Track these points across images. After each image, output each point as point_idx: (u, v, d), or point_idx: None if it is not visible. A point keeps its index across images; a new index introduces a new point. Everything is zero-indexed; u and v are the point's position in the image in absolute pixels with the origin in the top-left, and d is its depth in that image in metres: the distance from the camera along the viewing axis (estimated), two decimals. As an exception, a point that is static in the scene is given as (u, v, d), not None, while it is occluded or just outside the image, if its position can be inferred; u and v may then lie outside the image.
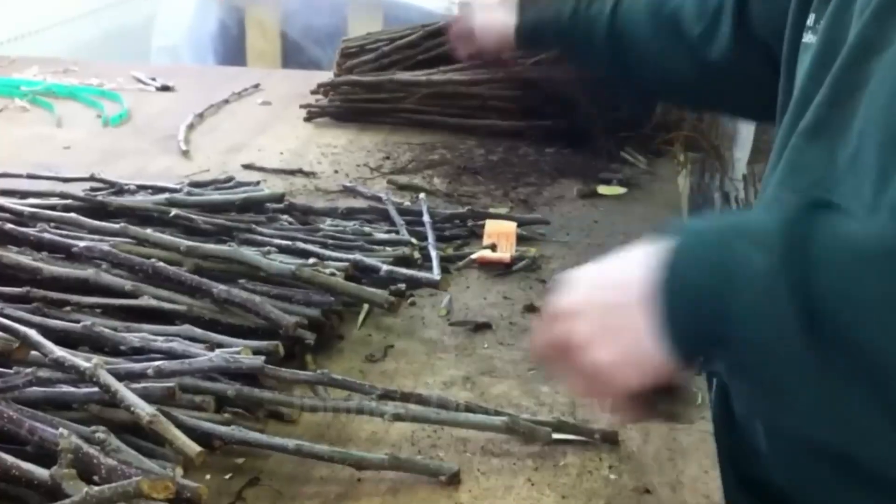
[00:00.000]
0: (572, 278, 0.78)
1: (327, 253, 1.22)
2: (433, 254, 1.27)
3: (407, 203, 1.45)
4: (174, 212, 1.26)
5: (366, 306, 1.15)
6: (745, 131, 2.46)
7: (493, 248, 1.32)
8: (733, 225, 0.73)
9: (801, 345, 0.65)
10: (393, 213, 1.39)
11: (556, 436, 0.91)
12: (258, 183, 1.50)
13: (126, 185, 1.43)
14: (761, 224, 0.71)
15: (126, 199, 1.34)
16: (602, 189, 1.57)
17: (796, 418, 0.74)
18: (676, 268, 0.71)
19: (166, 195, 1.33)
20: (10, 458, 0.77)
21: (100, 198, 1.32)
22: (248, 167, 1.64)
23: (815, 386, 0.67)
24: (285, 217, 1.36)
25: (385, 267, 1.19)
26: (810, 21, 0.97)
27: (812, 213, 0.69)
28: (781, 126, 0.97)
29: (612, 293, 0.75)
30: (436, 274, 1.21)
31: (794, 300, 0.65)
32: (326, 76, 2.02)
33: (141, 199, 1.34)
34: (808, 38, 0.97)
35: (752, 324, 0.67)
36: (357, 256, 1.20)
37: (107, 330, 0.99)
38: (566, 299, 0.77)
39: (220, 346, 0.98)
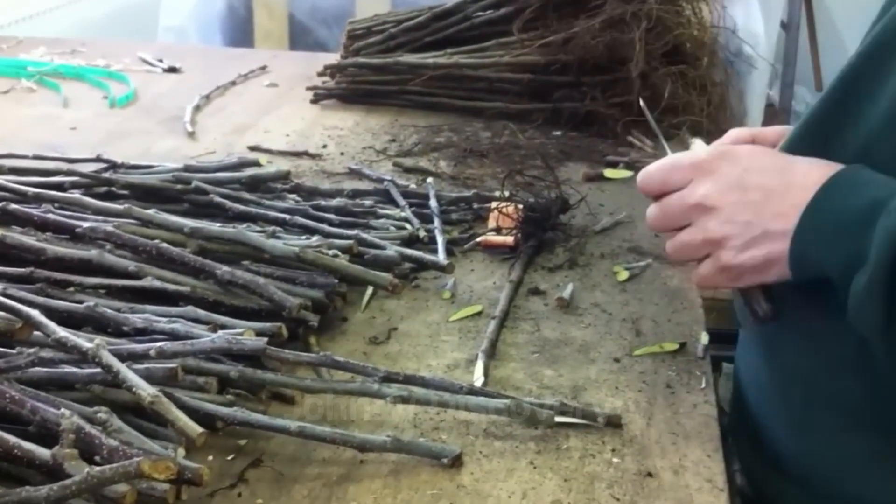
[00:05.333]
0: (720, 158, 0.85)
1: (330, 229, 1.23)
2: (439, 238, 1.26)
3: (412, 185, 1.45)
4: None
5: (370, 288, 1.15)
6: (754, 115, 2.45)
7: (499, 231, 1.31)
8: (876, 206, 0.76)
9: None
10: (395, 194, 1.39)
11: (558, 419, 0.91)
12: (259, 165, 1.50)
13: (132, 165, 1.43)
14: (886, 224, 0.75)
15: (132, 176, 1.34)
16: (608, 172, 1.57)
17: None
18: (815, 225, 0.79)
19: (172, 174, 1.33)
20: (12, 438, 0.77)
21: (106, 175, 1.33)
22: (254, 149, 1.64)
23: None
24: (292, 196, 1.36)
25: (392, 248, 1.19)
26: None
27: None
28: None
29: (756, 200, 0.82)
30: (442, 258, 1.21)
31: (883, 319, 0.74)
32: (333, 58, 2.02)
33: (147, 176, 1.35)
34: None
35: (853, 314, 0.77)
36: (359, 233, 1.20)
37: (110, 311, 0.99)
38: (708, 187, 0.84)
39: (223, 327, 0.98)
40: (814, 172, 0.81)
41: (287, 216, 1.24)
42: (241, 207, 1.26)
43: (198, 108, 1.86)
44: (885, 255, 0.73)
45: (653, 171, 0.89)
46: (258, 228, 1.20)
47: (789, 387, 0.93)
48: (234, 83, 2.04)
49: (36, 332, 0.88)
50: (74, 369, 0.88)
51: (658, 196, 0.88)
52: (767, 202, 0.82)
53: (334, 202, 1.34)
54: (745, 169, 0.84)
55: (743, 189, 0.83)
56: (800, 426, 0.92)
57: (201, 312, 1.02)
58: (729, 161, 0.85)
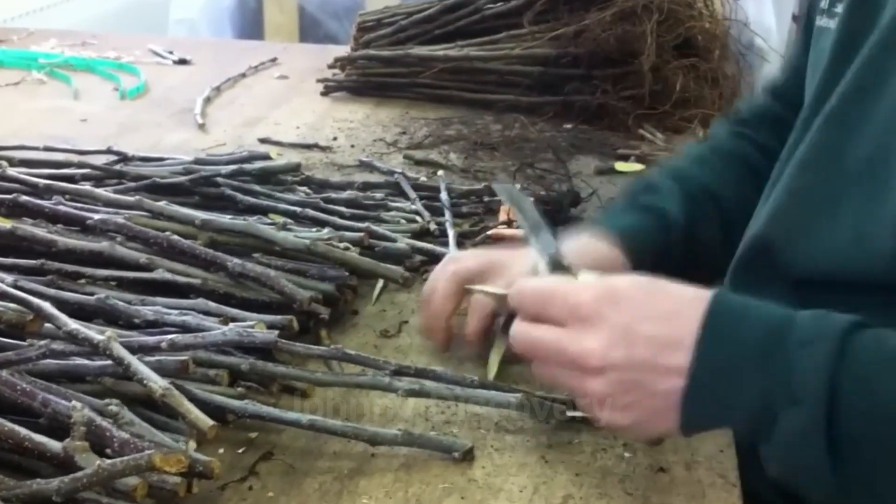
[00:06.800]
0: (602, 300, 0.76)
1: (341, 222, 1.22)
2: (450, 231, 1.26)
3: (423, 178, 1.45)
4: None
5: (381, 281, 1.15)
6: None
7: (509, 224, 1.31)
8: (775, 336, 0.73)
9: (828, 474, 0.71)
10: (406, 187, 1.38)
11: (570, 413, 0.90)
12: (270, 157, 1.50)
13: (143, 158, 1.43)
14: (804, 356, 0.71)
15: (143, 168, 1.34)
16: (619, 166, 1.56)
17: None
18: (711, 369, 0.73)
19: (183, 167, 1.33)
20: (23, 431, 0.76)
21: (117, 167, 1.33)
22: (264, 141, 1.63)
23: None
24: (303, 189, 1.36)
25: (403, 241, 1.19)
26: (824, 3, 0.96)
27: (852, 347, 0.71)
28: (803, 109, 0.96)
29: (645, 357, 0.75)
30: (453, 251, 1.21)
31: (828, 458, 0.70)
32: (343, 50, 2.02)
33: (158, 168, 1.35)
34: (823, 21, 0.96)
35: (785, 458, 0.74)
36: (370, 226, 1.20)
37: (121, 303, 0.99)
38: (592, 342, 0.75)
39: (234, 319, 0.98)
40: (695, 310, 0.75)
41: (298, 209, 1.24)
42: (252, 200, 1.26)
43: (208, 101, 1.86)
44: (822, 394, 0.70)
45: (527, 293, 0.81)
46: (269, 221, 1.20)
47: None
48: (244, 76, 2.04)
49: (47, 325, 0.88)
50: (85, 361, 0.88)
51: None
52: (658, 357, 0.74)
53: (345, 195, 1.34)
54: (633, 318, 0.75)
55: (631, 344, 0.75)
56: None
57: (212, 305, 1.01)
58: (615, 307, 0.76)
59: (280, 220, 1.19)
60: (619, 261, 1.01)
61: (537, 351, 0.80)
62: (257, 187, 1.30)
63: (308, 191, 1.35)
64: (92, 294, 1.01)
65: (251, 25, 3.26)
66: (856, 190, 0.86)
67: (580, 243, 1.01)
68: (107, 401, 0.80)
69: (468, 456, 0.85)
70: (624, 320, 0.75)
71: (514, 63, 1.81)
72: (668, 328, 0.75)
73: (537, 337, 0.80)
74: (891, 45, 0.85)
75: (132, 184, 1.29)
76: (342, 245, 1.13)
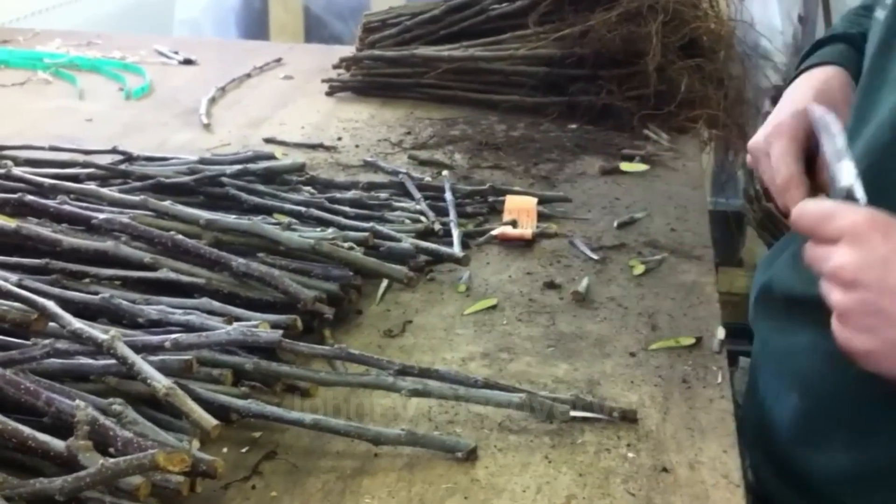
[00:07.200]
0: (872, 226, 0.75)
1: (346, 222, 1.22)
2: (455, 231, 1.26)
3: (427, 178, 1.45)
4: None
5: (385, 281, 1.15)
6: (768, 110, 2.44)
7: (514, 224, 1.31)
8: None
9: None
10: (410, 187, 1.38)
11: (573, 413, 0.90)
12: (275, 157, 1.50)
13: (148, 157, 1.44)
14: None
15: (148, 168, 1.34)
16: (624, 166, 1.56)
17: None
18: None
19: (188, 167, 1.34)
20: (27, 430, 0.77)
21: (123, 167, 1.33)
22: (269, 141, 1.64)
23: None
24: (307, 188, 1.36)
25: (408, 241, 1.19)
26: None
27: None
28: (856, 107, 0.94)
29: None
30: (457, 250, 1.21)
31: None
32: (348, 50, 2.02)
33: (163, 168, 1.35)
34: (878, 12, 0.94)
35: None
36: (375, 226, 1.20)
37: (125, 302, 0.99)
38: (849, 259, 0.75)
39: (238, 319, 0.98)
40: None
41: (302, 208, 1.24)
42: (257, 199, 1.26)
43: (213, 101, 1.86)
44: None
45: (807, 213, 0.80)
46: (273, 220, 1.20)
47: (795, 398, 0.92)
48: (249, 76, 2.04)
49: (51, 324, 0.88)
50: (89, 361, 0.88)
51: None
52: None
53: (349, 194, 1.34)
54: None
55: (886, 269, 0.74)
56: (805, 438, 0.92)
57: (216, 304, 1.01)
58: (884, 235, 0.75)
59: (285, 219, 1.20)
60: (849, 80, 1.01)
61: (812, 261, 0.80)
62: (262, 187, 1.31)
63: (313, 191, 1.35)
64: (96, 293, 1.01)
65: (256, 25, 3.26)
66: None
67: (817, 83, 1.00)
68: (110, 400, 0.81)
69: (471, 456, 0.85)
70: (888, 249, 0.74)
71: (519, 63, 1.81)
72: None
73: (810, 247, 0.79)
74: None
75: (137, 183, 1.30)
76: (346, 245, 1.13)
